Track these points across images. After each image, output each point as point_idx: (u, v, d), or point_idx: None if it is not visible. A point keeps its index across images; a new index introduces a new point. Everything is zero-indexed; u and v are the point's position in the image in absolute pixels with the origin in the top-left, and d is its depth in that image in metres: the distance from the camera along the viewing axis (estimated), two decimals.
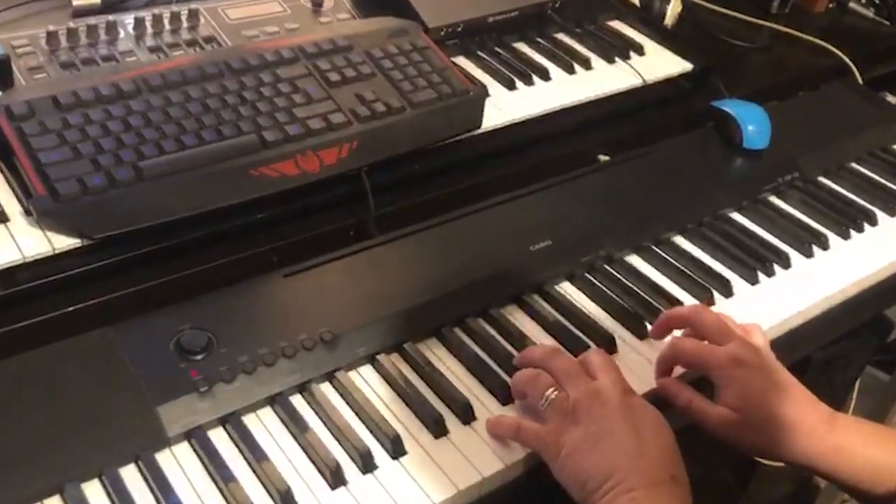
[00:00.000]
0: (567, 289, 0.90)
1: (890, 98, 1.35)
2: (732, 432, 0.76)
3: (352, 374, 0.77)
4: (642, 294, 0.90)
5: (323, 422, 0.73)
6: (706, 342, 0.79)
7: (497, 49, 1.14)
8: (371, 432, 0.73)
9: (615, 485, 0.67)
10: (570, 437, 0.70)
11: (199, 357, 0.73)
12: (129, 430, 0.68)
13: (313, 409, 0.74)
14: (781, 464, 1.38)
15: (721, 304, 0.90)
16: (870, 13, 1.45)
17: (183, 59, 0.91)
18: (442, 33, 1.08)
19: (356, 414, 0.74)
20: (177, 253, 0.81)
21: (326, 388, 0.76)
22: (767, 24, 1.35)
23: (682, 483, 0.69)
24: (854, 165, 1.15)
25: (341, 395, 0.75)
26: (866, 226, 1.04)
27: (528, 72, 1.09)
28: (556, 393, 0.72)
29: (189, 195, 0.81)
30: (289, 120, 0.88)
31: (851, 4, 1.45)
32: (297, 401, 0.74)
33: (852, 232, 1.03)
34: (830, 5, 1.45)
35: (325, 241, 0.86)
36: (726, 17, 1.35)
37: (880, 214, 1.06)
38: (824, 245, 1.00)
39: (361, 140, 0.90)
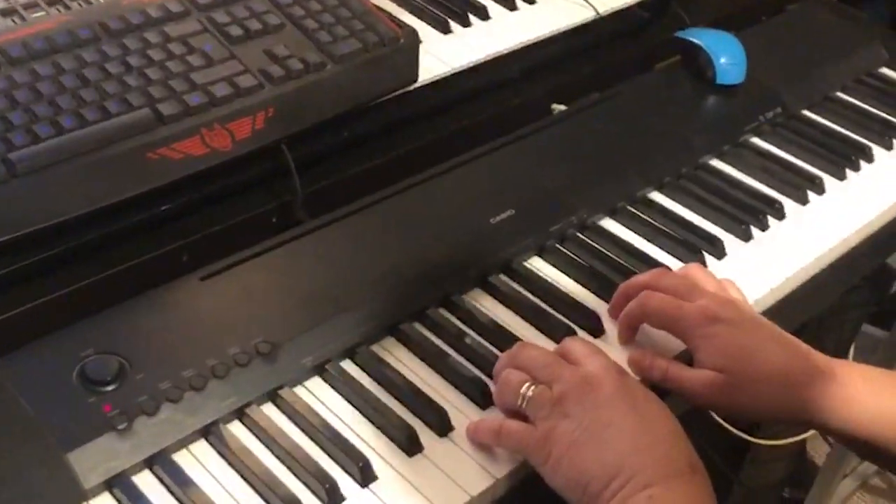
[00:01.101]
0: (538, 264, 0.89)
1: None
2: (720, 396, 0.76)
3: (299, 390, 0.75)
4: (624, 263, 0.90)
5: (271, 451, 0.71)
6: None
7: None
8: (332, 458, 0.71)
9: (626, 481, 0.65)
10: (560, 433, 0.68)
11: (110, 387, 0.70)
12: (35, 488, 0.65)
13: (257, 436, 0.72)
14: (775, 442, 1.42)
15: (713, 267, 0.91)
16: None
17: (47, 23, 0.87)
18: None
19: (310, 438, 0.72)
20: (68, 262, 0.79)
21: (270, 410, 0.74)
22: None
23: (701, 472, 0.68)
24: (841, 95, 1.17)
25: (289, 416, 0.74)
26: (863, 163, 1.06)
27: (462, 10, 1.08)
28: (532, 387, 0.71)
29: (75, 190, 0.78)
30: (187, 88, 0.85)
31: None
32: (237, 429, 0.72)
33: (848, 171, 1.04)
34: None
35: (244, 233, 0.85)
36: None
37: (876, 149, 1.09)
38: (819, 189, 1.02)
39: (278, 106, 0.88)
